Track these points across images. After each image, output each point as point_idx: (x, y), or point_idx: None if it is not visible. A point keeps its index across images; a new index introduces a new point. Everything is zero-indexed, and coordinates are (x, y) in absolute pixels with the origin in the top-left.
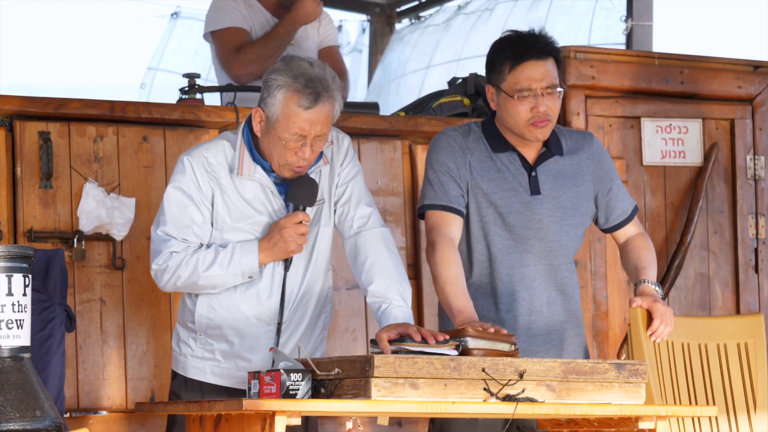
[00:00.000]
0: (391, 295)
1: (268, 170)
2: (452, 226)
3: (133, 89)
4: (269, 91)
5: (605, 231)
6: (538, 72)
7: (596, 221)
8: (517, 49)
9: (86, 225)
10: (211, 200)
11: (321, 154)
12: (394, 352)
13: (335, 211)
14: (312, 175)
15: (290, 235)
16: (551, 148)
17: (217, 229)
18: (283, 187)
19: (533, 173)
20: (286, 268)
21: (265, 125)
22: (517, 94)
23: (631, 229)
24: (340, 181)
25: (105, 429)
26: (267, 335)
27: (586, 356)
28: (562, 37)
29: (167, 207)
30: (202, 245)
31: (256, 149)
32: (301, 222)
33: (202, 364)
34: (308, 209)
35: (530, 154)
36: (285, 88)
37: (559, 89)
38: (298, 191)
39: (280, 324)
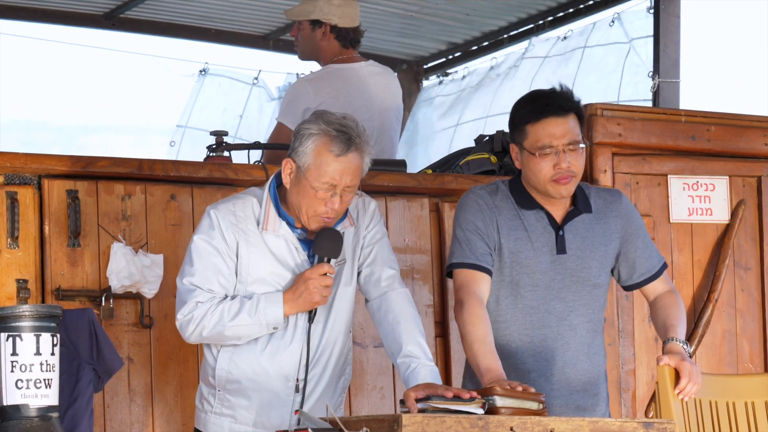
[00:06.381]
0: (420, 355)
1: (293, 226)
2: (480, 285)
3: (163, 147)
4: (300, 140)
5: (629, 288)
6: (558, 129)
7: (619, 278)
8: (536, 106)
9: (116, 284)
10: (236, 251)
11: (347, 213)
12: (421, 410)
13: (360, 272)
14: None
15: (315, 286)
16: (579, 206)
17: (240, 281)
18: (306, 244)
19: (560, 232)
20: (310, 320)
21: (295, 176)
22: (539, 151)
23: (660, 286)
24: (366, 243)
25: None
26: (286, 392)
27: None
28: (593, 93)
29: (194, 257)
30: (227, 296)
31: (281, 205)
32: (326, 274)
33: (221, 420)
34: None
35: (558, 213)
36: (317, 135)
37: (581, 145)
38: (323, 243)
39: (300, 381)
